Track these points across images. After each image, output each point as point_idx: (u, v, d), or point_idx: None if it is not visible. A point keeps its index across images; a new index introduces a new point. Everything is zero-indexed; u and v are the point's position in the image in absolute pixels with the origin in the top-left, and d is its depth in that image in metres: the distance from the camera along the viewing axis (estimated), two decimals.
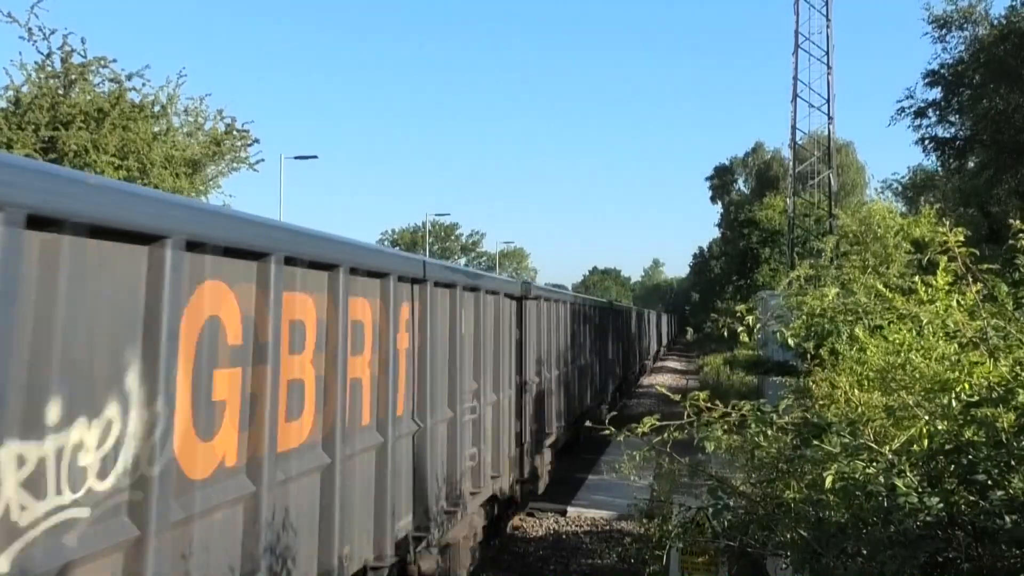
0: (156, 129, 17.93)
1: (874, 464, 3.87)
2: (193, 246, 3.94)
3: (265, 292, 4.59)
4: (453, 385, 8.05)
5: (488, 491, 9.54)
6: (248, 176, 73.93)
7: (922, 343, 5.33)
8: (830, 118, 35.40)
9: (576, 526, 13.03)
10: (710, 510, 4.81)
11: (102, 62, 17.03)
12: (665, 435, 4.67)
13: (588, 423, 5.79)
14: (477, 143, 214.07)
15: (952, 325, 4.99)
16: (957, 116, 25.53)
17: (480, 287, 9.07)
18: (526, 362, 11.48)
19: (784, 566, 4.72)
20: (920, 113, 25.54)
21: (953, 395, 4.24)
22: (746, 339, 6.10)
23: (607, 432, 4.77)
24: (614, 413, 5.53)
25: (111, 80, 17.23)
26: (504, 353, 10.22)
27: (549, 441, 13.64)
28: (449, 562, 7.96)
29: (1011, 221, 4.90)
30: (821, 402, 6.51)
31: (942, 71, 24.65)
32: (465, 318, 8.44)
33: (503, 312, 10.25)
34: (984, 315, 4.83)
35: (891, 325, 6.16)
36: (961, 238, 4.64)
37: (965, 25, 24.31)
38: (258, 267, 4.59)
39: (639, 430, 4.61)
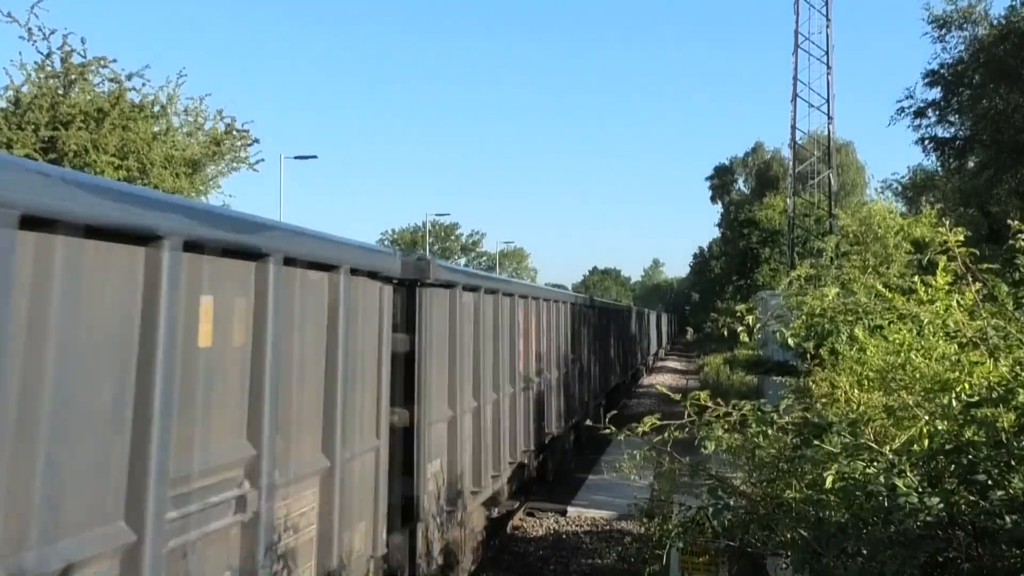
0: (156, 129, 17.93)
1: (874, 464, 3.87)
2: None
3: None
4: (161, 468, 3.74)
5: None
6: (248, 176, 74.09)
7: (922, 343, 5.33)
8: (830, 118, 35.49)
9: (576, 526, 13.03)
10: (710, 510, 4.82)
11: (102, 62, 17.03)
12: (665, 435, 4.69)
13: (588, 422, 5.68)
14: (477, 143, 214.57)
15: (952, 325, 4.99)
16: (957, 116, 25.58)
17: (275, 252, 4.78)
18: (424, 388, 7.61)
19: (784, 566, 4.72)
20: (920, 113, 25.61)
21: (953, 395, 4.25)
22: (746, 339, 6.11)
23: (607, 432, 4.78)
24: (612, 411, 5.52)
25: (111, 80, 17.24)
26: (363, 378, 6.32)
27: (478, 499, 9.60)
28: None
29: (1011, 221, 4.92)
30: (821, 402, 6.51)
31: (942, 71, 24.69)
32: (222, 312, 4.41)
33: (364, 305, 6.32)
34: (984, 315, 4.84)
35: (891, 325, 6.16)
36: (961, 238, 4.65)
37: (965, 25, 24.35)
38: None
39: (639, 430, 4.62)
